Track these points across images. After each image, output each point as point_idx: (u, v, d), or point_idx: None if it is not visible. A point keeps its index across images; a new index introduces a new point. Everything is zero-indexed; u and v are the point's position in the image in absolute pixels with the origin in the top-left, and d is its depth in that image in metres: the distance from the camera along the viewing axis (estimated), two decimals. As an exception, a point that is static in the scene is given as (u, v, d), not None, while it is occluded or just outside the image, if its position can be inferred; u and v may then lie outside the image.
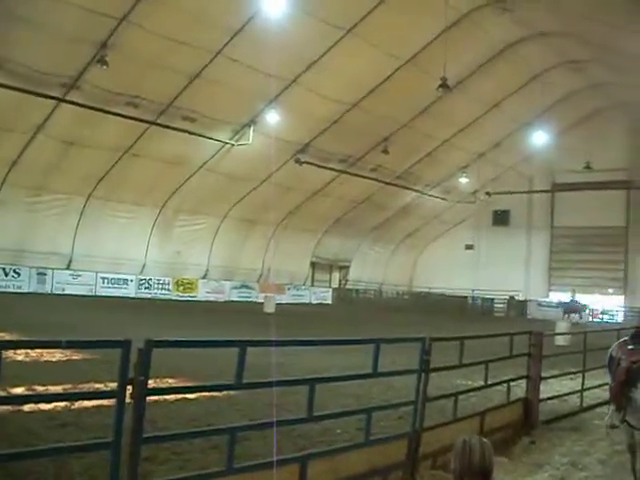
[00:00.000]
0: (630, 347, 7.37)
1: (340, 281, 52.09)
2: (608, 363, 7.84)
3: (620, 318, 43.16)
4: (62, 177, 31.49)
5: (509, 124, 41.29)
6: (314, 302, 46.47)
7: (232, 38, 27.11)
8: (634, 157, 45.36)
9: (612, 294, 46.82)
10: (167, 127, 30.38)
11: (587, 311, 41.85)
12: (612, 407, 7.44)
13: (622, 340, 7.91)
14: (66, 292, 33.35)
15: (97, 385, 10.05)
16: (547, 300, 47.31)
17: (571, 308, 39.60)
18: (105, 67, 25.16)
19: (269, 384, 7.83)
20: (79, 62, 26.07)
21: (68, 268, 34.31)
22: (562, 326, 27.41)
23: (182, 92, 29.41)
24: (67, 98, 27.21)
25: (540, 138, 37.99)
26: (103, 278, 35.58)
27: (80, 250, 34.20)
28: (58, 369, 12.14)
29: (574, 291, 40.71)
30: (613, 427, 7.73)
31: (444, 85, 26.94)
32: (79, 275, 34.51)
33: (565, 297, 41.60)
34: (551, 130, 38.91)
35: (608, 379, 8.03)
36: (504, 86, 36.93)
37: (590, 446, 9.50)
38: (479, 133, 40.83)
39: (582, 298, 41.64)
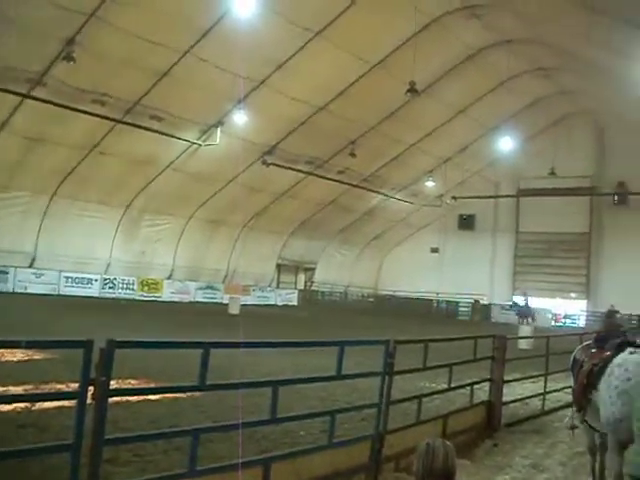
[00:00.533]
0: (593, 350, 7.51)
1: (306, 283, 52.12)
2: (572, 366, 7.98)
3: (582, 322, 43.74)
4: (26, 174, 31.00)
5: (476, 129, 41.61)
6: (279, 304, 46.43)
7: (201, 38, 26.96)
8: (598, 164, 46.09)
9: (575, 299, 47.43)
10: (134, 126, 30.11)
11: (538, 315, 42.16)
12: (574, 408, 7.57)
13: (586, 344, 8.07)
14: (28, 291, 32.85)
15: (58, 386, 9.94)
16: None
17: (523, 312, 39.81)
18: (72, 63, 24.79)
19: (233, 386, 7.81)
20: (45, 58, 25.68)
21: (31, 267, 33.87)
22: (525, 330, 27.66)
23: (150, 91, 29.16)
24: (32, 94, 26.82)
25: (506, 144, 38.27)
26: (67, 277, 35.18)
27: (43, 248, 33.77)
28: (19, 369, 11.98)
29: (526, 294, 40.95)
30: (573, 428, 7.88)
31: (412, 89, 27.10)
32: (42, 274, 34.07)
33: (519, 300, 41.85)
34: (517, 136, 39.26)
35: (571, 382, 8.15)
36: (472, 91, 37.19)
37: (551, 448, 9.61)
38: (446, 138, 41.06)
39: (534, 302, 42.11)
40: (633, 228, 44.26)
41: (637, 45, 23.23)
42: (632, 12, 20.80)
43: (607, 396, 6.58)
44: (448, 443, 3.91)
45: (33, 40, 24.46)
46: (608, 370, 6.73)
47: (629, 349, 6.81)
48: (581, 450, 8.78)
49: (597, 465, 7.59)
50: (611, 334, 7.74)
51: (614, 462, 6.62)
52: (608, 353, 7.05)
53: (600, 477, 7.55)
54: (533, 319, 39.59)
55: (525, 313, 39.76)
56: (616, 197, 45.24)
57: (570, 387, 8.34)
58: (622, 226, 44.78)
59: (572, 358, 8.08)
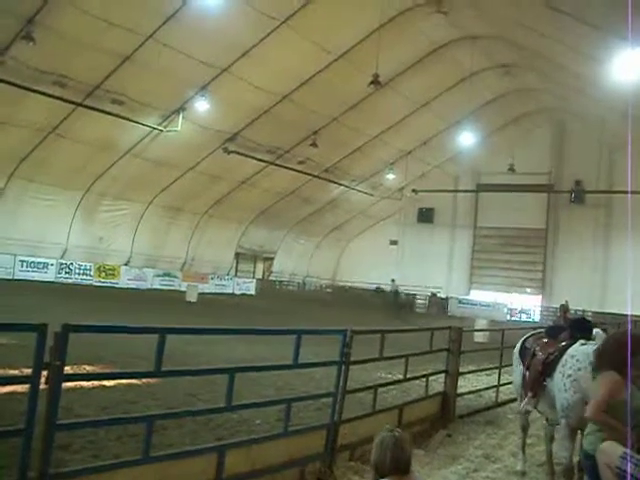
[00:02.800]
0: (545, 340, 7.97)
1: (264, 272, 52.04)
2: (520, 352, 8.38)
3: (537, 317, 44.40)
4: (-19, 156, 30.46)
5: (437, 123, 41.84)
6: (237, 293, 46.30)
7: (165, 22, 26.60)
8: (556, 162, 46.78)
9: (530, 294, 48.12)
10: (94, 109, 29.64)
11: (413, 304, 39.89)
12: (529, 394, 7.88)
13: (536, 332, 8.62)
14: (-18, 275, 32.33)
15: (12, 371, 9.77)
16: (467, 298, 48.40)
17: (397, 303, 37.50)
18: (32, 44, 24.32)
19: (189, 372, 7.78)
20: (4, 37, 25.10)
21: (-16, 250, 33.30)
22: (481, 323, 27.98)
23: (111, 74, 28.73)
24: (-11, 74, 26.31)
25: (467, 139, 38.66)
26: (22, 261, 34.59)
27: (-2, 232, 33.21)
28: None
29: (394, 281, 39.39)
30: (527, 412, 8.17)
31: (375, 82, 27.12)
32: (-4, 258, 33.53)
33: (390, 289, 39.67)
34: (478, 131, 39.66)
35: (519, 369, 8.45)
36: (434, 86, 37.34)
37: (503, 439, 9.75)
38: (408, 131, 41.25)
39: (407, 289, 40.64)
40: (588, 226, 45.11)
41: (597, 46, 23.59)
42: (592, 13, 21.09)
43: (561, 384, 7.00)
44: (404, 435, 3.97)
45: (-9, 18, 23.95)
46: (562, 360, 7.16)
47: (580, 340, 7.28)
48: (530, 442, 8.95)
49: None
50: (561, 326, 8.59)
51: (565, 447, 7.00)
52: (563, 344, 7.49)
53: (549, 464, 7.98)
54: (404, 308, 37.21)
55: (399, 303, 37.45)
56: (572, 195, 45.92)
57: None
58: (577, 224, 45.60)
59: (520, 345, 8.51)
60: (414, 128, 41.12)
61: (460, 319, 37.05)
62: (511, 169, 42.43)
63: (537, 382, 7.67)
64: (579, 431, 6.55)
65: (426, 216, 52.86)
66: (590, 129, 42.84)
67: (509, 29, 29.89)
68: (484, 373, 13.75)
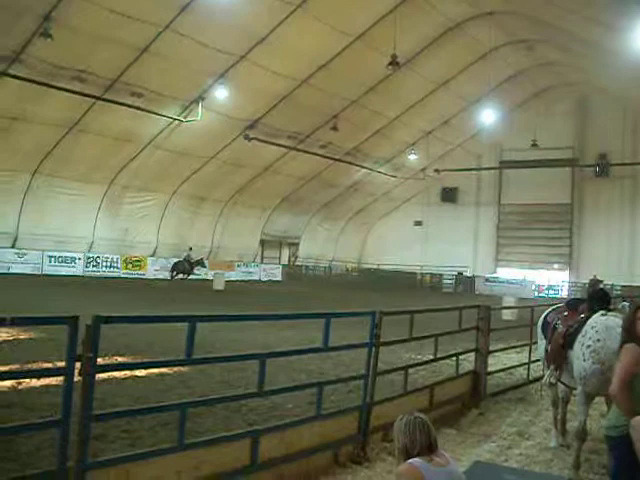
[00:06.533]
0: (565, 313, 8.09)
1: (290, 258, 52.13)
2: (542, 326, 8.58)
3: (565, 293, 44.07)
4: (6, 153, 30.63)
5: (458, 102, 41.52)
6: (264, 279, 46.49)
7: (180, 12, 26.65)
8: (580, 136, 46.31)
9: (557, 269, 47.82)
10: (114, 102, 29.80)
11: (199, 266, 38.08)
12: (551, 367, 8.05)
13: (556, 306, 8.73)
14: (11, 271, 32.67)
15: (45, 364, 9.89)
16: (494, 276, 48.24)
17: (178, 267, 37.30)
18: (50, 40, 24.46)
19: (220, 359, 7.82)
20: (22, 35, 25.27)
21: (13, 247, 33.61)
22: (509, 301, 27.83)
23: (129, 67, 28.85)
24: (10, 72, 26.46)
25: (488, 116, 38.32)
26: (50, 256, 34.98)
27: (25, 228, 33.50)
28: (4, 348, 11.92)
29: (190, 249, 38.33)
30: (551, 385, 8.38)
31: (394, 62, 26.95)
32: (25, 254, 33.84)
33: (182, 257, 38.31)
34: (499, 108, 39.28)
35: (543, 343, 8.57)
36: (453, 64, 37.07)
37: (536, 416, 9.72)
38: (428, 110, 40.99)
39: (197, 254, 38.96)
40: (614, 199, 44.77)
41: (618, 15, 23.23)
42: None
43: (580, 353, 7.16)
44: (423, 416, 4.00)
45: (8, 17, 24.08)
46: (582, 331, 7.30)
47: (601, 311, 7.32)
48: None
49: (560, 414, 8.45)
50: (580, 298, 8.87)
51: (581, 412, 7.32)
52: (582, 316, 7.60)
53: (562, 427, 8.43)
54: (188, 273, 36.69)
55: (180, 268, 37.00)
56: (597, 168, 45.49)
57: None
58: (603, 197, 45.28)
59: (542, 319, 8.67)
60: (434, 108, 40.86)
61: (487, 297, 36.90)
62: (534, 145, 42.01)
63: (559, 354, 7.80)
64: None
65: (450, 195, 52.65)
66: (613, 100, 42.33)
67: (526, 3, 29.50)
68: (514, 351, 13.71)
